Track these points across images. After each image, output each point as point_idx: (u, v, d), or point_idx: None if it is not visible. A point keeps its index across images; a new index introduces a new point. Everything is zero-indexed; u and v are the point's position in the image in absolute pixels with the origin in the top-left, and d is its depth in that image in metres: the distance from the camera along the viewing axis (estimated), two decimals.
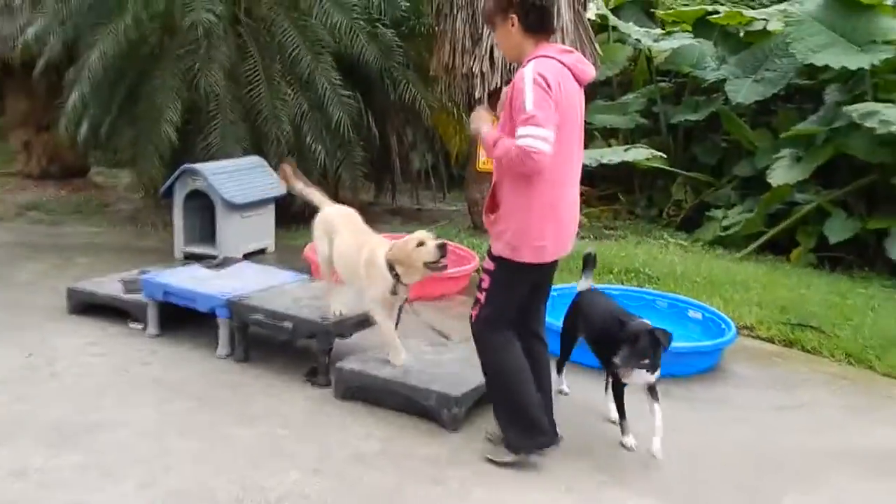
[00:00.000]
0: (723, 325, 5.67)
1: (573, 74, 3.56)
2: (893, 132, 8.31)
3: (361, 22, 8.52)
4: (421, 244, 4.34)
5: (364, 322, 4.88)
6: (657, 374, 4.04)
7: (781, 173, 9.41)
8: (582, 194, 10.10)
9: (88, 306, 5.64)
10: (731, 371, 5.36)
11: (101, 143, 9.38)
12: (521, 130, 3.34)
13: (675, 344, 5.32)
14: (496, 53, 8.15)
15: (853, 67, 9.07)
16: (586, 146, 10.17)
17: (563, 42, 8.07)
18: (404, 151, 10.76)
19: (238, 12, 8.23)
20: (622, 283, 7.07)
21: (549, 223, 3.60)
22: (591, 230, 10.08)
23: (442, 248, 4.35)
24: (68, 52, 8.90)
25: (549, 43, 3.64)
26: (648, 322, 4.13)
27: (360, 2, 8.68)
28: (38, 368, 4.71)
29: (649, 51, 12.01)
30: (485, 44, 8.19)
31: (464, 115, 10.36)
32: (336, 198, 8.82)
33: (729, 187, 10.86)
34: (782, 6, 11.73)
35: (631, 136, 12.20)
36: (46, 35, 8.37)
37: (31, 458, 3.66)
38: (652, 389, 4.08)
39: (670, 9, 14.06)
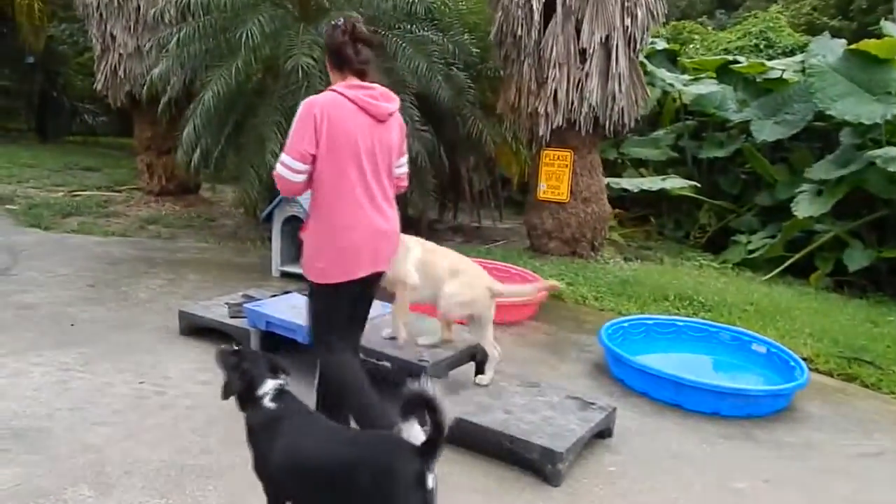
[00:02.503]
0: (792, 363, 4.68)
1: (360, 107, 2.95)
2: None
3: (439, 65, 7.62)
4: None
5: (458, 361, 3.99)
6: None
7: (805, 206, 8.47)
8: (617, 216, 8.69)
9: (198, 328, 4.80)
10: (804, 410, 4.36)
11: (211, 167, 8.60)
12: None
13: (754, 386, 4.46)
14: (559, 95, 7.23)
15: (868, 122, 8.08)
16: (619, 175, 9.29)
17: (619, 86, 7.15)
18: (468, 177, 9.86)
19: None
20: (678, 311, 6.11)
21: (326, 246, 3.01)
22: (630, 250, 9.13)
23: None
24: (185, 89, 8.25)
25: (353, 78, 3.00)
26: None
27: (437, 47, 7.78)
28: (148, 397, 3.86)
29: (679, 94, 11.00)
30: (549, 87, 7.27)
31: (521, 148, 9.50)
32: (404, 216, 8.04)
33: (750, 214, 9.94)
34: (799, 58, 10.74)
35: (660, 167, 11.30)
36: (169, 75, 7.59)
37: None
38: None
39: (691, 58, 13.09)
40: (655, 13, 7.30)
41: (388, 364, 3.86)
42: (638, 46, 7.36)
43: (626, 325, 5.20)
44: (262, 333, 4.40)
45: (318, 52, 6.87)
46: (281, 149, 7.08)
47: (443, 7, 8.22)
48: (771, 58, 12.59)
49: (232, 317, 4.71)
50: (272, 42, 7.14)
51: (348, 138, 2.91)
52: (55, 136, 17.88)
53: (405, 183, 3.27)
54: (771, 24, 13.86)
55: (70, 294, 5.58)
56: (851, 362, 5.13)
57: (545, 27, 7.26)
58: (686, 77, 11.46)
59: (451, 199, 10.11)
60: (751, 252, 8.98)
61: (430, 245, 3.93)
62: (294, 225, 6.47)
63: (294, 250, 6.60)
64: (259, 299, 4.99)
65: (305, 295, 4.84)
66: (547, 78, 7.24)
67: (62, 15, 17.02)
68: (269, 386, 2.52)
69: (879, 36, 9.20)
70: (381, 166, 3.04)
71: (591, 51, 7.14)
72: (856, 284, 8.42)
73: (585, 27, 7.12)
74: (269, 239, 7.84)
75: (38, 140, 17.21)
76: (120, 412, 3.66)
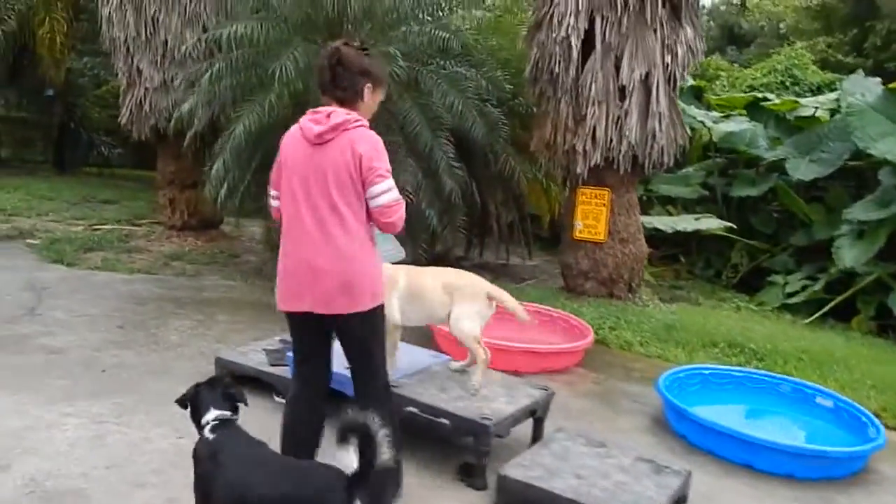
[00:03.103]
0: (863, 419, 4.42)
1: (301, 131, 2.87)
2: None
3: (474, 101, 7.48)
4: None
5: (519, 419, 3.75)
6: None
7: (846, 253, 8.24)
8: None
9: (235, 376, 4.56)
10: (878, 472, 4.08)
11: (236, 203, 8.44)
12: None
13: (831, 447, 4.18)
14: (598, 133, 7.08)
15: None
16: (645, 212, 9.10)
17: (659, 124, 7.01)
18: (496, 214, 9.67)
19: None
20: (729, 359, 5.85)
21: (280, 273, 3.00)
22: (660, 290, 8.89)
23: None
24: (211, 123, 8.16)
25: (331, 104, 2.88)
26: None
27: (471, 83, 7.65)
28: (188, 454, 3.61)
29: (709, 131, 10.83)
30: (588, 124, 7.11)
31: (552, 185, 9.33)
32: (431, 254, 7.84)
33: (785, 254, 9.69)
34: (833, 95, 10.61)
35: (688, 205, 11.11)
36: (198, 109, 7.47)
37: None
38: None
39: (717, 94, 12.98)
40: (695, 50, 7.17)
41: (446, 422, 3.62)
42: (678, 84, 7.22)
43: (682, 375, 4.95)
44: None
45: None
46: None
47: (475, 43, 8.11)
48: (798, 95, 12.47)
49: (272, 365, 4.48)
50: (304, 77, 7.02)
51: (289, 165, 2.89)
52: (72, 168, 17.85)
53: (385, 219, 2.80)
54: (796, 62, 13.79)
55: (98, 336, 5.37)
56: None
57: (583, 64, 7.12)
58: (715, 114, 11.31)
59: (477, 236, 9.91)
60: (790, 294, 8.72)
61: (416, 269, 3.88)
62: None
63: None
64: None
65: None
66: (585, 115, 7.08)
67: (80, 48, 17.13)
68: (210, 415, 2.58)
69: None
70: (314, 192, 2.77)
71: (630, 88, 7.00)
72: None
73: (625, 64, 6.99)
74: None
75: (54, 171, 17.17)
76: (160, 471, 3.43)
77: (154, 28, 8.97)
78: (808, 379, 5.28)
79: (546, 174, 8.36)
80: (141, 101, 9.10)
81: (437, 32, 7.28)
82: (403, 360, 4.23)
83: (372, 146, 2.77)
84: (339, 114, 2.79)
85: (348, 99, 2.85)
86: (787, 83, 13.28)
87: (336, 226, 2.77)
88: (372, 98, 2.93)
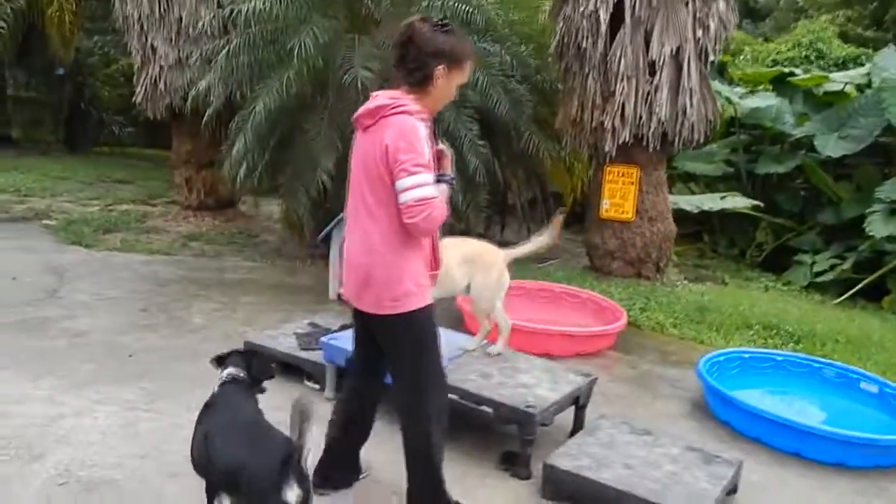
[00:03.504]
0: None
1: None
2: None
3: (499, 77, 7.29)
4: None
5: (563, 406, 3.63)
6: None
7: (881, 226, 8.00)
8: None
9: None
10: None
11: (255, 182, 8.30)
12: None
13: (880, 436, 4.03)
14: (627, 109, 6.88)
15: None
16: (668, 190, 8.95)
17: (690, 100, 6.81)
18: (518, 192, 9.52)
19: (388, 72, 7.02)
20: (766, 342, 5.71)
21: None
22: (685, 269, 8.72)
23: None
24: (228, 102, 8.01)
25: (399, 86, 2.66)
26: None
27: (495, 59, 7.45)
28: None
29: (734, 106, 10.57)
30: (616, 100, 6.91)
31: (575, 163, 9.15)
32: (452, 231, 7.68)
33: (813, 233, 9.48)
34: (864, 70, 10.33)
35: (711, 182, 10.89)
36: (216, 87, 7.31)
37: None
38: None
39: (741, 69, 12.68)
40: (728, 23, 6.93)
41: (489, 409, 3.51)
42: (710, 58, 7.00)
43: (721, 359, 4.81)
44: (338, 370, 4.05)
45: (376, 64, 6.59)
46: (333, 166, 6.86)
47: (496, 17, 7.89)
48: (822, 69, 12.17)
49: (303, 349, 4.37)
50: (324, 54, 6.84)
51: (353, 157, 2.74)
52: (83, 148, 17.72)
53: (407, 219, 2.48)
54: (821, 35, 13.44)
55: (122, 320, 5.27)
56: None
57: (611, 38, 6.91)
58: (740, 89, 11.05)
59: (498, 213, 9.75)
60: (818, 274, 8.54)
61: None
62: None
63: None
64: (327, 328, 4.67)
65: None
66: (614, 91, 6.88)
67: (89, 27, 16.93)
68: (224, 372, 2.86)
69: None
70: (355, 182, 2.67)
71: (660, 63, 6.78)
72: None
73: (655, 38, 6.77)
74: (318, 257, 7.57)
75: (66, 151, 17.05)
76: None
77: (168, 4, 8.79)
78: (847, 362, 5.14)
79: (571, 152, 8.15)
80: (156, 79, 8.94)
81: (459, 6, 7.09)
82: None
83: (400, 135, 2.47)
84: (381, 97, 2.60)
85: (417, 83, 2.58)
86: (812, 57, 12.96)
87: (366, 218, 2.63)
88: (447, 82, 2.60)
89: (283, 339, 4.54)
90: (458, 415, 3.63)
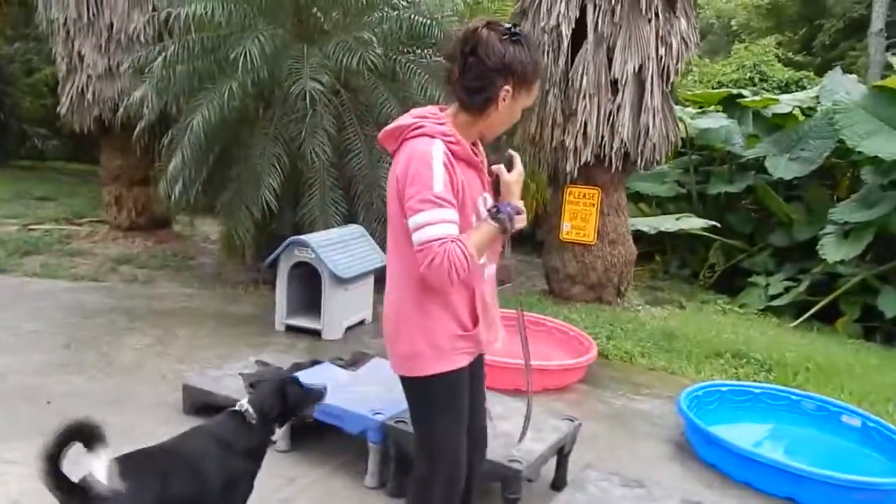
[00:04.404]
0: None
1: None
2: None
3: None
4: None
5: (548, 457, 3.29)
6: None
7: (833, 250, 8.03)
8: None
9: (208, 406, 3.97)
10: None
11: (191, 201, 7.74)
12: None
13: (879, 479, 3.82)
14: (589, 129, 6.67)
15: None
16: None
17: (653, 120, 6.66)
18: None
19: (337, 83, 6.62)
20: (737, 372, 5.53)
21: None
22: (642, 291, 8.58)
23: None
24: (163, 114, 7.48)
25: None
26: None
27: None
28: None
29: (685, 126, 10.56)
30: (579, 119, 6.70)
31: (529, 182, 8.90)
32: None
33: (765, 255, 9.50)
34: (812, 92, 10.49)
35: (662, 203, 10.87)
36: (149, 98, 6.77)
37: None
38: None
39: (690, 90, 12.79)
40: (689, 42, 6.82)
41: None
42: (671, 78, 6.86)
43: (700, 393, 4.57)
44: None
45: (326, 76, 6.20)
46: (279, 185, 6.44)
47: (451, 30, 7.60)
48: (766, 91, 12.36)
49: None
50: (270, 64, 6.40)
51: None
52: (1, 162, 16.60)
53: (420, 266, 2.02)
54: (764, 58, 13.71)
55: (41, 358, 4.68)
56: None
57: (573, 55, 6.70)
58: (691, 110, 11.07)
59: None
60: (772, 297, 8.51)
61: None
62: (302, 271, 5.70)
63: (302, 300, 5.82)
64: (277, 368, 4.20)
65: (342, 366, 4.11)
66: (576, 110, 6.66)
67: (9, 34, 15.95)
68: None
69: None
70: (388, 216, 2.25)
71: (623, 81, 6.61)
72: (882, 330, 8.03)
73: (618, 56, 6.59)
74: (262, 282, 7.07)
75: None
76: None
77: (98, 9, 8.15)
78: (822, 392, 4.98)
79: (528, 172, 7.88)
80: (83, 89, 8.27)
81: (415, 18, 6.77)
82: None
83: (408, 164, 2.05)
84: (405, 116, 2.18)
85: (475, 105, 2.11)
86: (756, 79, 13.18)
87: (389, 261, 2.29)
88: (512, 104, 2.13)
89: (227, 380, 4.05)
90: None
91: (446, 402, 2.26)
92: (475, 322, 2.24)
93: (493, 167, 2.26)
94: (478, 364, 2.43)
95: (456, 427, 2.32)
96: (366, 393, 3.66)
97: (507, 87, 2.07)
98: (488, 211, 2.17)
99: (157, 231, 9.34)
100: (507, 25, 2.10)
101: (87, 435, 2.03)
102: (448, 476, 2.35)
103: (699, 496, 3.34)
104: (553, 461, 3.47)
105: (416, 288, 2.15)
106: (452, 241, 1.99)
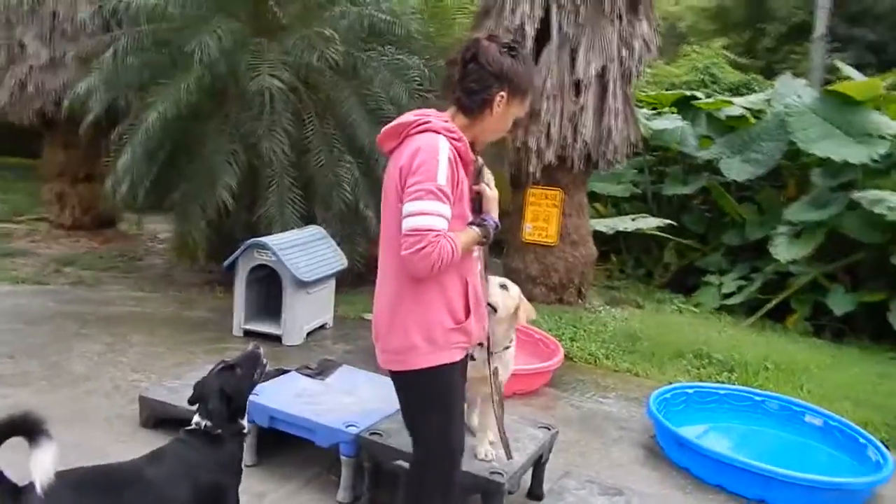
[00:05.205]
0: (861, 440, 4.19)
1: None
2: None
3: (417, 92, 6.88)
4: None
5: (527, 468, 3.22)
6: None
7: (784, 249, 8.21)
8: None
9: (165, 418, 3.79)
10: (884, 496, 3.85)
11: (140, 199, 7.43)
12: None
13: (846, 479, 3.88)
14: (552, 130, 6.65)
15: (855, 161, 7.94)
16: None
17: (615, 122, 6.67)
18: None
19: (297, 80, 6.43)
20: (700, 372, 5.58)
21: None
22: (600, 292, 8.62)
23: None
24: (110, 108, 7.18)
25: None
26: None
27: (414, 72, 7.03)
28: None
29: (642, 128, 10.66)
30: (542, 119, 6.66)
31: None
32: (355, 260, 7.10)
33: (718, 254, 9.66)
34: (763, 95, 10.71)
35: (617, 203, 10.96)
36: (97, 91, 6.47)
37: None
38: None
39: (642, 91, 12.92)
40: (650, 44, 6.85)
41: None
42: (633, 80, 6.89)
43: (668, 395, 4.58)
44: (259, 429, 3.46)
45: (286, 73, 6.02)
46: (236, 183, 6.25)
47: (415, 29, 7.47)
48: (717, 93, 12.60)
49: None
50: (228, 59, 6.19)
51: None
52: None
53: (403, 251, 2.09)
54: (715, 61, 13.98)
55: None
56: None
57: (537, 56, 6.66)
58: (646, 111, 11.19)
59: None
60: (726, 296, 8.66)
61: None
62: (261, 274, 5.52)
63: (260, 303, 5.64)
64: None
65: (309, 375, 3.96)
66: (540, 110, 6.62)
67: None
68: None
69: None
70: (382, 211, 2.32)
71: (586, 82, 6.60)
72: (830, 328, 8.26)
73: (581, 57, 6.57)
74: (216, 284, 6.85)
75: None
76: None
77: None
78: (783, 392, 5.07)
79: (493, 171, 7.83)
80: (24, 81, 7.91)
81: (377, 15, 6.64)
82: (375, 395, 3.63)
83: (414, 155, 2.12)
84: (407, 114, 2.26)
85: (472, 106, 2.25)
86: (707, 82, 13.43)
87: (382, 255, 2.31)
88: (505, 111, 2.29)
89: (187, 391, 3.84)
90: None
91: (440, 396, 2.29)
92: (467, 314, 2.29)
93: (475, 186, 2.39)
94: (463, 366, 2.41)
95: (450, 422, 2.33)
96: (336, 403, 3.54)
97: (502, 92, 2.25)
98: (473, 221, 2.31)
99: (103, 230, 9.02)
100: (507, 40, 2.32)
101: (29, 427, 1.91)
102: (444, 473, 2.36)
103: (676, 502, 3.33)
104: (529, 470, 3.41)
105: (412, 280, 2.18)
106: (445, 237, 2.08)
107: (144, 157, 6.40)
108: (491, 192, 2.42)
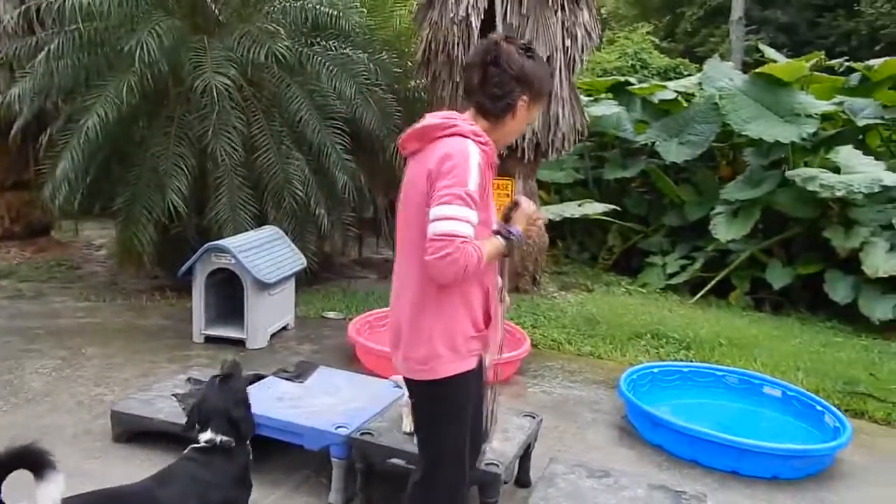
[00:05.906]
0: (818, 407, 4.43)
1: None
2: (835, 195, 7.65)
3: (365, 86, 6.82)
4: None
5: (519, 457, 3.27)
6: None
7: (724, 229, 8.55)
8: None
9: (139, 432, 3.67)
10: (843, 461, 4.07)
11: (79, 205, 7.13)
12: None
13: (812, 446, 4.10)
14: None
15: (785, 140, 8.31)
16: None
17: (562, 111, 6.79)
18: (384, 207, 9.05)
19: (241, 77, 6.26)
20: (658, 352, 5.76)
21: None
22: (551, 277, 8.78)
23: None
24: (40, 113, 6.88)
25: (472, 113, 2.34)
26: None
27: (360, 67, 6.96)
28: None
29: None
30: None
31: None
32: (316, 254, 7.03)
33: (659, 235, 9.97)
34: (695, 79, 11.03)
35: (560, 190, 11.15)
36: (26, 96, 6.17)
37: None
38: None
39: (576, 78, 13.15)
40: (592, 32, 6.98)
41: None
42: (577, 69, 7.02)
43: (635, 376, 4.72)
44: None
45: (232, 70, 5.87)
46: (185, 185, 6.08)
47: (357, 23, 7.39)
48: (647, 77, 12.94)
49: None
50: (169, 58, 5.99)
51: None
52: None
53: (427, 255, 2.02)
54: (643, 46, 14.35)
55: None
56: (853, 397, 4.99)
57: None
58: (584, 98, 11.40)
59: (357, 230, 9.23)
60: (671, 275, 8.95)
61: None
62: (217, 278, 5.39)
63: (219, 308, 5.51)
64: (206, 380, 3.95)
65: (288, 379, 3.91)
66: None
67: None
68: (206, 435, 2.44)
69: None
70: (399, 218, 2.30)
71: None
72: (770, 301, 8.64)
73: None
74: (168, 290, 6.65)
75: None
76: None
77: None
78: (739, 365, 5.30)
79: None
80: None
81: (321, 9, 6.54)
82: (357, 395, 3.61)
83: (446, 158, 2.06)
84: (430, 116, 2.20)
85: (495, 111, 2.21)
86: (637, 67, 13.79)
87: (402, 260, 2.27)
88: (526, 114, 2.27)
89: (160, 403, 3.76)
90: (402, 481, 3.17)
91: (456, 404, 2.26)
92: (487, 322, 2.28)
93: (516, 196, 2.46)
94: (480, 366, 2.40)
95: (461, 429, 2.31)
96: (320, 405, 3.51)
97: (524, 96, 2.22)
98: (499, 231, 2.30)
99: (36, 239, 8.61)
100: (523, 42, 2.27)
101: (32, 460, 1.82)
102: (452, 479, 2.33)
103: (659, 479, 3.44)
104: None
105: (436, 287, 2.14)
106: (471, 244, 2.03)
107: (83, 161, 6.13)
108: (527, 206, 2.40)
